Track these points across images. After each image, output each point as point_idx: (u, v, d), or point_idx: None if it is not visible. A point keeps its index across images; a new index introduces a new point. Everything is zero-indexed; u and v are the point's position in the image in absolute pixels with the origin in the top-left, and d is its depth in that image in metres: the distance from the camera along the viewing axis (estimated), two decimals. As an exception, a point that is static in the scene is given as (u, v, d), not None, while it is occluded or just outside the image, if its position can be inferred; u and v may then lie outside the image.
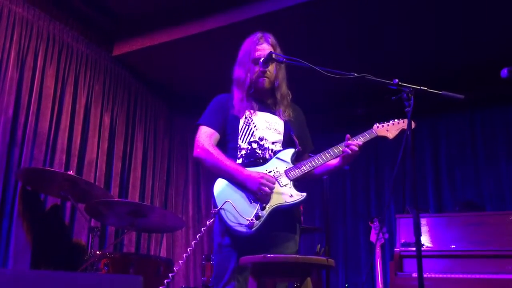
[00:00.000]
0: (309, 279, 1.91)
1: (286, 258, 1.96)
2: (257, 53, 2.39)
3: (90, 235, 3.13)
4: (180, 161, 5.75)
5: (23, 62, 3.86)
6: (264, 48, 2.40)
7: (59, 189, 3.08)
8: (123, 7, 4.37)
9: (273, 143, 2.35)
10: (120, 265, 3.12)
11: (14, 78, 3.75)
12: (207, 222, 2.19)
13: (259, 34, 2.46)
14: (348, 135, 2.33)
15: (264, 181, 2.14)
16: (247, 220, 2.09)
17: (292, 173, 2.25)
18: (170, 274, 2.13)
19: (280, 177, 2.23)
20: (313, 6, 3.87)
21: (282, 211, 2.19)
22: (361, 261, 5.39)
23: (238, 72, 2.43)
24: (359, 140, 2.33)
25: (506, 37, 4.26)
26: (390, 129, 2.41)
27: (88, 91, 4.47)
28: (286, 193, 2.20)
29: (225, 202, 2.14)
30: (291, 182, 2.24)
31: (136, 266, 3.08)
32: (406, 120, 2.38)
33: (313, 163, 2.28)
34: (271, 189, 2.16)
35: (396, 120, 2.43)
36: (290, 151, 2.33)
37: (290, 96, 2.47)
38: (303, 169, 2.25)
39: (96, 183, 4.23)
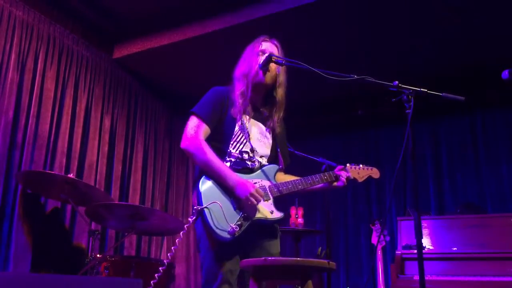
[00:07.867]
0: (310, 281, 1.89)
1: (287, 261, 1.94)
2: (261, 47, 2.40)
3: (91, 238, 3.12)
4: (180, 163, 5.74)
5: (24, 64, 3.86)
6: (269, 45, 2.41)
7: (60, 192, 3.07)
8: (123, 9, 4.37)
9: (261, 156, 2.36)
10: (121, 268, 3.12)
11: (14, 81, 3.75)
12: (189, 219, 2.13)
13: (264, 35, 2.47)
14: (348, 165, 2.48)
15: (254, 192, 2.13)
16: (230, 226, 2.09)
17: (274, 190, 2.27)
18: (156, 275, 2.09)
19: (264, 191, 2.23)
20: (315, 8, 3.88)
21: (262, 223, 2.21)
22: (362, 263, 5.37)
23: (241, 67, 2.41)
24: (348, 175, 2.43)
25: (507, 38, 4.26)
26: (360, 172, 2.50)
27: (88, 93, 4.47)
28: (267, 209, 2.23)
29: (212, 202, 2.11)
30: (272, 199, 2.26)
31: (136, 269, 3.08)
32: (374, 168, 2.54)
33: (294, 187, 2.31)
34: (259, 202, 2.16)
35: (365, 166, 2.53)
36: (275, 168, 2.36)
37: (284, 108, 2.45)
38: (283, 190, 2.29)
39: (97, 186, 4.23)
